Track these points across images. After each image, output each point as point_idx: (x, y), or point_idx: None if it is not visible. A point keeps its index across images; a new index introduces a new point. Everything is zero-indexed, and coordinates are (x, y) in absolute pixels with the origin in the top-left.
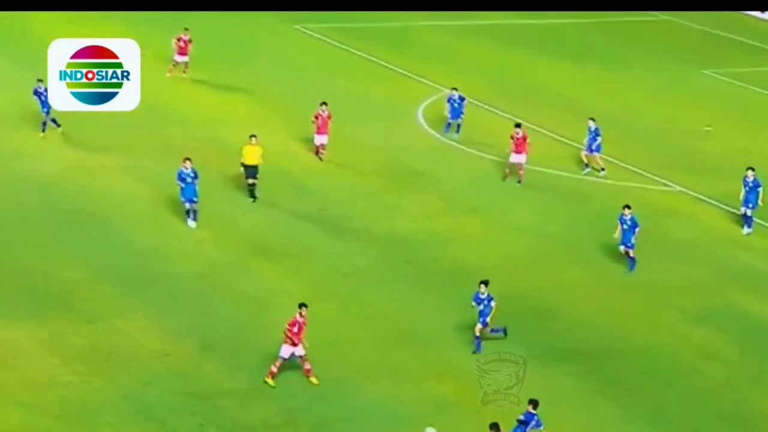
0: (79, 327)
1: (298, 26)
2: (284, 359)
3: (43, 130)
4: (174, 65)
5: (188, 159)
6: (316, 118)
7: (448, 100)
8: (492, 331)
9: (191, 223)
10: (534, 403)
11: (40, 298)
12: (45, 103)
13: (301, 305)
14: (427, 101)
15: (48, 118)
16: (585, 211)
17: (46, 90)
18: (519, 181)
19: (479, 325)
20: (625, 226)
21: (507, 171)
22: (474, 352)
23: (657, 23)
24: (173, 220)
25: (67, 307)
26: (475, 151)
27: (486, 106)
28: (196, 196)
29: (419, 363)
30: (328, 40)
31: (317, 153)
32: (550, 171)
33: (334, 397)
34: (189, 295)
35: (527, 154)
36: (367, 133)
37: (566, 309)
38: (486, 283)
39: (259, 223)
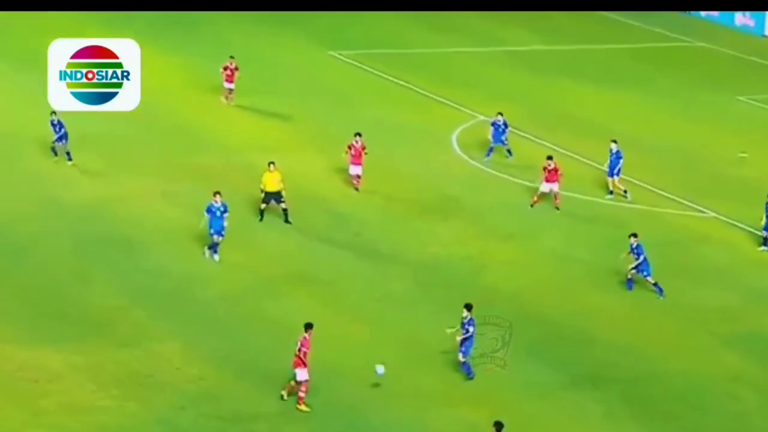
0: (114, 351)
1: (332, 52)
2: (307, 380)
3: (55, 154)
4: (228, 92)
5: (218, 193)
6: (350, 148)
7: (492, 124)
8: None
9: (215, 257)
10: (498, 426)
11: (76, 323)
12: (60, 134)
13: (309, 326)
14: (461, 127)
15: (63, 148)
16: (617, 237)
17: (59, 121)
18: (557, 207)
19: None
20: (634, 255)
21: (535, 198)
22: (468, 378)
23: (691, 49)
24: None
25: (102, 331)
26: (508, 177)
27: (519, 132)
28: (223, 231)
29: (453, 388)
30: (362, 66)
31: (353, 183)
32: (583, 197)
33: (367, 421)
34: (223, 319)
35: (558, 182)
36: (401, 158)
37: (598, 334)
38: (468, 307)
39: (292, 248)
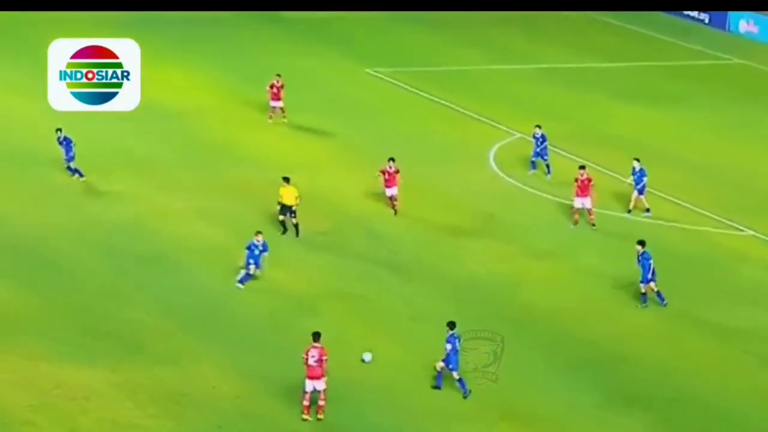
0: (151, 369)
1: (369, 70)
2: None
3: (77, 174)
4: (272, 111)
5: (260, 232)
6: (383, 173)
7: (533, 137)
8: (458, 381)
9: (239, 285)
10: None
11: (114, 340)
12: (68, 152)
13: (317, 335)
14: (498, 144)
15: (72, 166)
16: (657, 256)
17: (65, 138)
18: (593, 224)
19: (441, 363)
20: (639, 265)
21: (576, 216)
22: (434, 387)
23: (728, 66)
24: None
25: (139, 349)
26: (545, 195)
27: (556, 149)
28: (260, 268)
29: (491, 407)
30: (400, 84)
31: (391, 205)
32: (619, 214)
33: None
34: (260, 336)
35: (592, 197)
36: (438, 176)
37: (635, 353)
38: (450, 325)
39: (329, 266)
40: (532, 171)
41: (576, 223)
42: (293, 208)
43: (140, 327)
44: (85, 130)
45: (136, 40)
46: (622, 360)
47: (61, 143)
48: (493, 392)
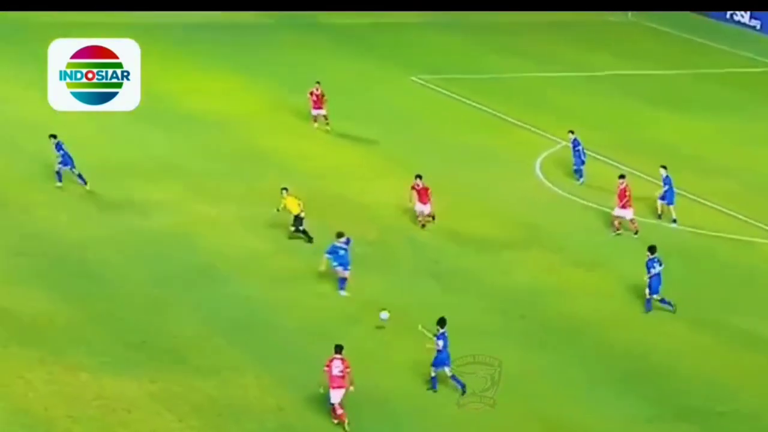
0: (193, 381)
1: (414, 77)
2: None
3: (58, 179)
4: (315, 119)
5: (342, 234)
6: (413, 189)
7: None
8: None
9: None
10: None
11: (155, 351)
12: (65, 159)
13: (340, 348)
14: (545, 153)
15: (72, 172)
16: (704, 267)
17: (59, 144)
18: (636, 232)
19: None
20: (653, 271)
21: (616, 224)
22: (429, 389)
23: None
24: (289, 273)
25: (181, 360)
26: (593, 204)
27: (602, 158)
28: (349, 265)
29: (534, 419)
30: (445, 92)
31: (422, 222)
32: (667, 225)
33: None
34: (303, 348)
35: (632, 207)
36: (483, 185)
37: (686, 366)
38: (441, 322)
39: (374, 277)
40: (581, 180)
41: (616, 231)
42: (301, 216)
43: (181, 338)
44: (127, 139)
45: (179, 48)
46: (671, 373)
47: (56, 149)
48: (537, 404)
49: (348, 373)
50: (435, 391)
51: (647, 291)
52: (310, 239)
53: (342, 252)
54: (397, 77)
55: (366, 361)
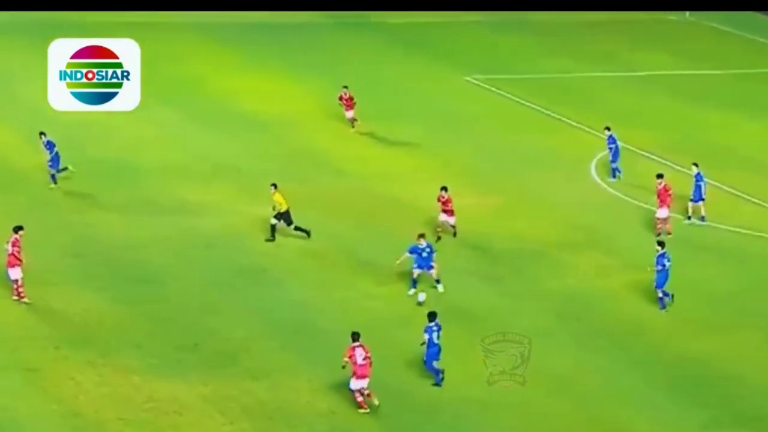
0: (244, 383)
1: (468, 77)
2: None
3: (53, 180)
4: (352, 121)
5: (422, 235)
6: (439, 200)
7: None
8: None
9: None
10: None
11: (206, 354)
12: (53, 157)
13: (357, 335)
14: (601, 154)
15: (55, 171)
16: (762, 272)
17: (49, 142)
18: (669, 233)
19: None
20: (663, 266)
21: (659, 226)
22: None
23: None
24: (340, 275)
25: (232, 363)
26: (647, 206)
27: (660, 160)
28: (431, 270)
29: (589, 421)
30: (499, 92)
31: (453, 232)
32: (727, 228)
33: None
34: None
35: (669, 206)
36: (538, 186)
37: (743, 372)
38: (430, 315)
39: (429, 279)
40: (617, 177)
41: (659, 233)
42: (288, 212)
43: (233, 340)
44: (180, 140)
45: (232, 48)
46: (728, 378)
47: (45, 146)
48: (589, 405)
49: (371, 359)
50: (440, 387)
51: (658, 289)
52: (304, 231)
53: (425, 254)
54: (451, 77)
55: (422, 368)
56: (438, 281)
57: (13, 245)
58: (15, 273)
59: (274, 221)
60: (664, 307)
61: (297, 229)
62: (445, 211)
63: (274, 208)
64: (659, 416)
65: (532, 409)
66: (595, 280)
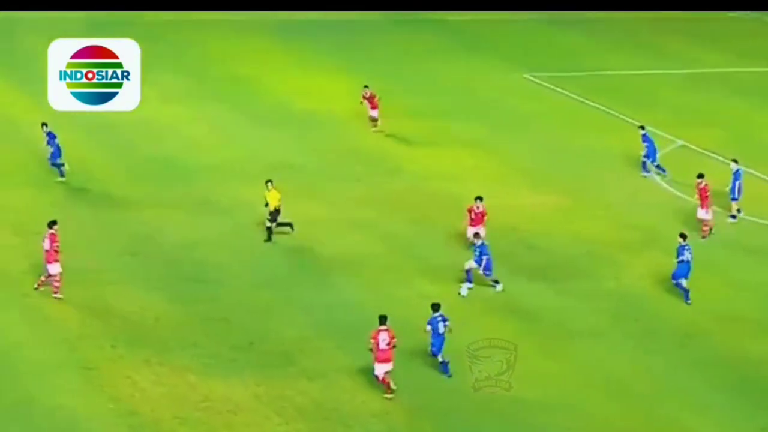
0: (299, 383)
1: (527, 75)
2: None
3: (60, 172)
4: (374, 122)
5: (478, 234)
6: (469, 212)
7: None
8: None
9: (463, 290)
10: None
11: (261, 353)
12: (54, 150)
13: (384, 318)
14: (660, 152)
15: (58, 162)
16: None
17: (50, 134)
18: (703, 237)
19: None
20: (684, 257)
21: (704, 228)
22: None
23: None
24: (398, 276)
25: (288, 363)
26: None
27: (718, 158)
28: (490, 270)
29: (653, 427)
30: (558, 89)
31: (469, 240)
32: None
33: None
34: (411, 353)
35: (708, 208)
36: (596, 184)
37: None
38: (434, 307)
39: (481, 278)
40: (653, 173)
41: (704, 236)
42: (278, 211)
43: (288, 340)
44: (234, 139)
45: (287, 48)
46: None
47: (48, 138)
48: (649, 409)
49: (394, 344)
50: (449, 376)
51: (682, 281)
52: (290, 226)
53: (485, 258)
54: (510, 75)
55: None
56: (497, 281)
57: (52, 241)
58: (54, 268)
59: (269, 224)
60: (688, 300)
61: (279, 224)
62: (472, 224)
63: (266, 206)
64: (719, 418)
65: (589, 410)
66: (653, 280)
